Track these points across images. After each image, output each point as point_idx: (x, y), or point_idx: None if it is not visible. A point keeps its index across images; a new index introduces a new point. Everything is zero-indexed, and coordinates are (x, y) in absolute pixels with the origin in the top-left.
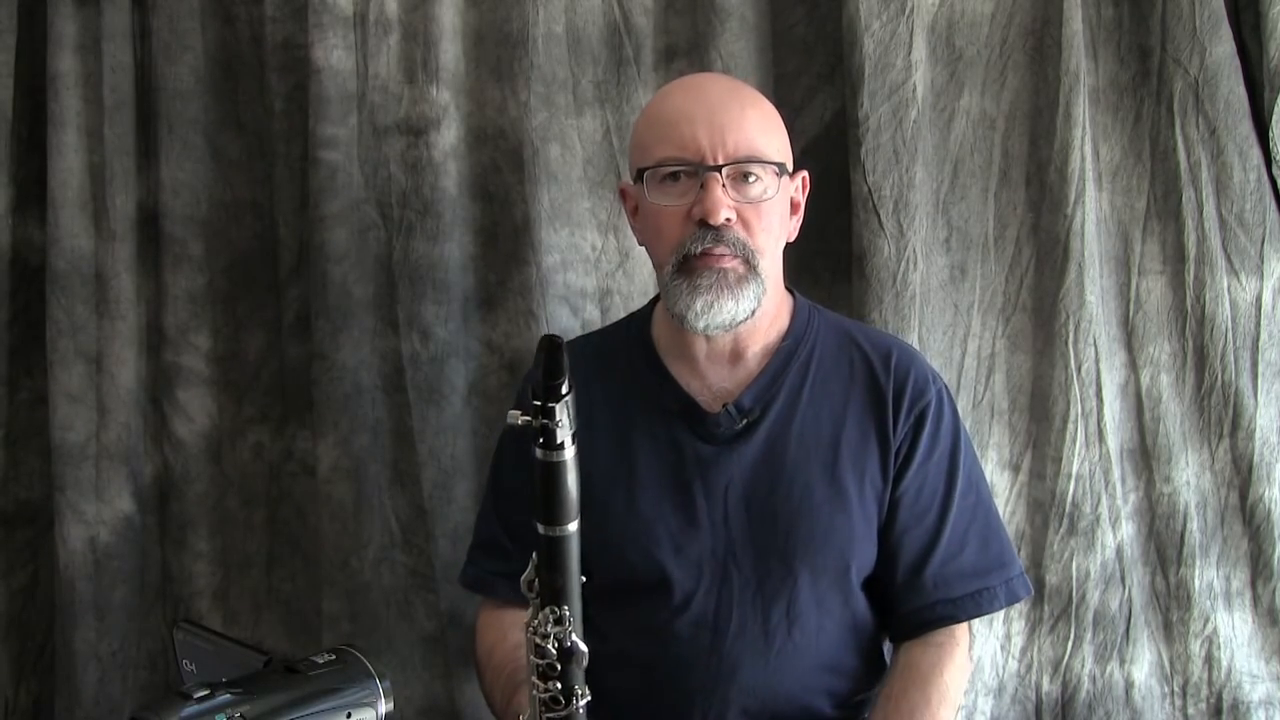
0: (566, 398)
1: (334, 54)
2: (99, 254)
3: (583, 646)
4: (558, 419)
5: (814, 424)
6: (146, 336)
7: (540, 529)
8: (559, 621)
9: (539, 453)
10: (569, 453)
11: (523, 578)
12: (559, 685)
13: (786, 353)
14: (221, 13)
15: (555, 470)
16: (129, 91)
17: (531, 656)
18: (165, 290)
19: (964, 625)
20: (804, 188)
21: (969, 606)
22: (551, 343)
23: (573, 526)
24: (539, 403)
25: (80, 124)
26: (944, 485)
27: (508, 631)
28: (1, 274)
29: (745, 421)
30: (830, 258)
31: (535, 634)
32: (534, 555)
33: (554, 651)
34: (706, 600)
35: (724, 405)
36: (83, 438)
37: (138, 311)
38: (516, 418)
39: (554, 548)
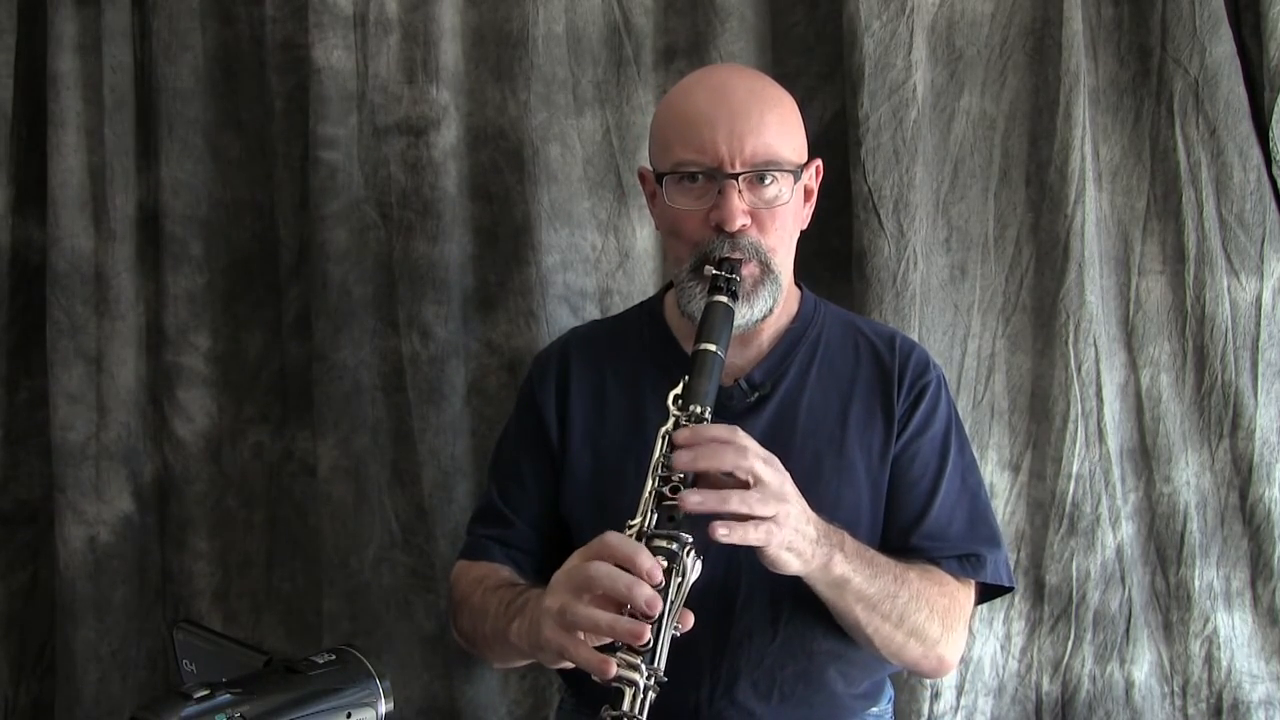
0: (739, 267)
1: (334, 54)
2: (99, 254)
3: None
4: (734, 273)
5: (822, 400)
6: (146, 336)
7: (699, 346)
8: (699, 419)
9: (716, 298)
10: (724, 298)
11: (671, 393)
12: (680, 475)
13: (795, 334)
14: (221, 13)
15: (718, 309)
16: (129, 91)
17: (661, 451)
18: (165, 290)
19: (967, 591)
20: (817, 175)
21: (954, 569)
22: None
23: (714, 348)
24: (725, 276)
25: (80, 124)
26: (936, 462)
27: (498, 570)
28: (1, 274)
29: (756, 395)
30: (830, 258)
31: (675, 426)
32: (685, 377)
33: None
34: (714, 571)
35: (736, 380)
36: (83, 438)
37: (138, 311)
38: (710, 272)
39: (701, 359)
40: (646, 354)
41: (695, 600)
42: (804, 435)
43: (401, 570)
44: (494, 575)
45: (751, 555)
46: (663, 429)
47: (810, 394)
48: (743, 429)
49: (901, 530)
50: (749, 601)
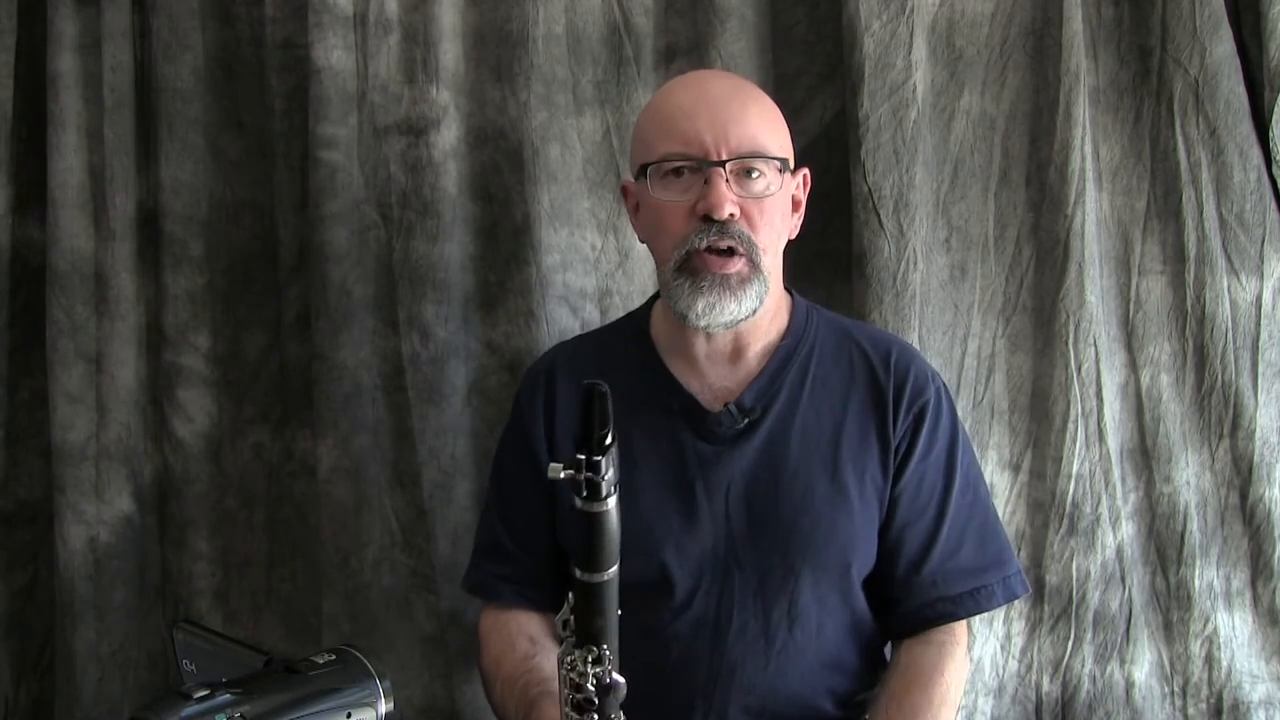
0: (611, 449)
1: (334, 54)
2: (99, 254)
3: (620, 680)
4: (603, 472)
5: (815, 422)
6: (146, 336)
7: (579, 574)
8: (598, 661)
9: (579, 503)
10: (612, 502)
11: (558, 617)
12: (595, 718)
13: (786, 351)
14: (221, 13)
15: (599, 520)
16: (129, 91)
17: (567, 690)
18: (165, 290)
19: (963, 623)
20: (805, 185)
21: (968, 604)
22: (595, 391)
23: (613, 570)
24: (583, 456)
25: (80, 124)
26: (942, 483)
27: (515, 640)
28: (1, 274)
29: (746, 420)
30: (830, 258)
31: (572, 671)
32: (570, 596)
33: (592, 688)
34: (708, 599)
35: (725, 404)
36: (83, 438)
37: (138, 311)
38: (558, 471)
39: (594, 592)
40: (633, 371)
41: (690, 629)
42: (796, 461)
43: (401, 570)
44: (509, 655)
45: (744, 587)
46: (562, 666)
47: (803, 416)
48: (732, 457)
49: (911, 562)
50: (742, 631)
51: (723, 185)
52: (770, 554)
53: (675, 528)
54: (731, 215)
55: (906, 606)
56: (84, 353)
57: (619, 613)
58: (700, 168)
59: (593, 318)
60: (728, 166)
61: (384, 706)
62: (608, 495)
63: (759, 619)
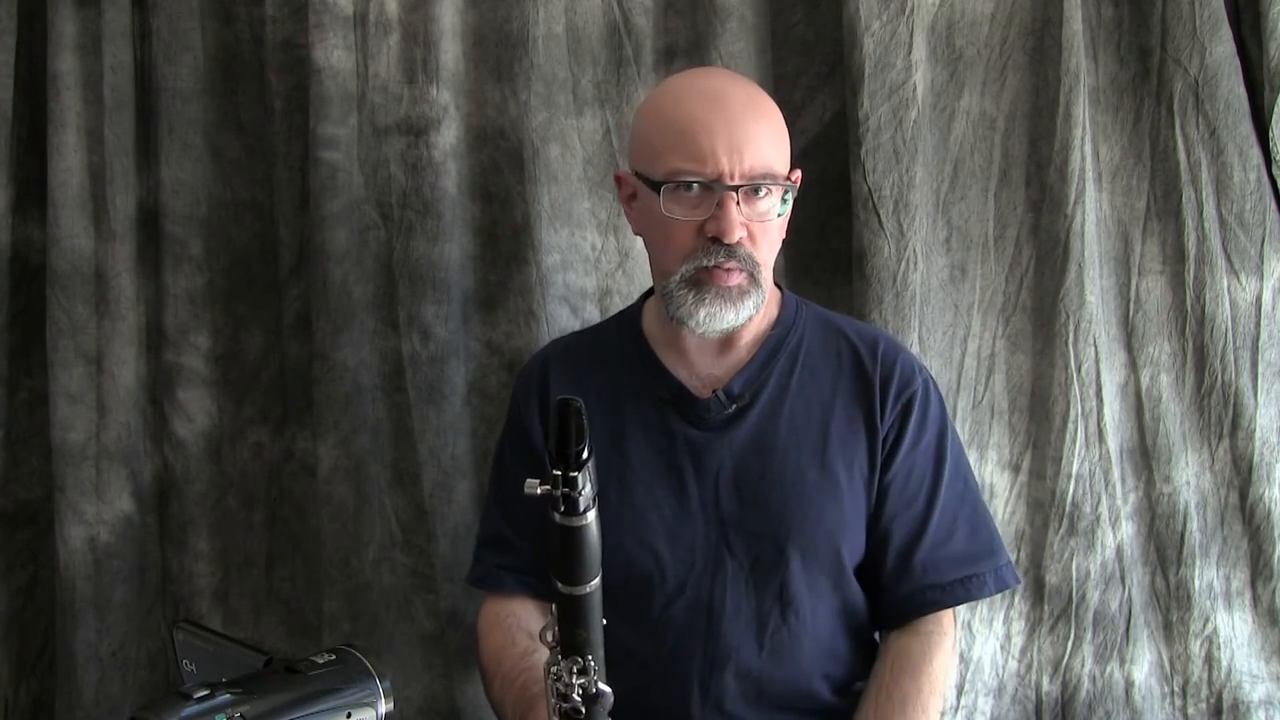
0: (588, 463)
1: (334, 54)
2: (99, 254)
3: (607, 689)
4: (580, 487)
5: (803, 410)
6: (146, 336)
7: (560, 587)
8: (583, 672)
9: (559, 518)
10: (591, 516)
11: (541, 629)
12: (579, 695)
13: (775, 341)
14: (221, 13)
15: (578, 534)
16: (129, 91)
17: (554, 700)
18: (165, 290)
19: (950, 614)
20: (796, 185)
21: (958, 592)
22: (569, 406)
23: (595, 583)
24: (559, 471)
25: (80, 124)
26: (931, 472)
27: (515, 635)
28: (1, 274)
29: (735, 407)
30: (830, 258)
31: (559, 681)
32: (553, 608)
33: (578, 698)
34: (700, 585)
35: (714, 391)
36: (83, 438)
37: (138, 311)
38: (535, 487)
39: (576, 604)
40: (625, 363)
41: (685, 615)
42: (785, 448)
43: (401, 570)
44: (509, 651)
45: (736, 571)
46: (548, 677)
47: (791, 404)
48: (722, 443)
49: (901, 551)
50: (735, 617)
51: (734, 209)
52: (760, 538)
53: (666, 514)
54: (740, 239)
55: (897, 594)
56: (84, 353)
57: (604, 622)
58: (712, 187)
59: (593, 318)
60: (740, 190)
61: (384, 706)
62: (586, 509)
63: (751, 603)
